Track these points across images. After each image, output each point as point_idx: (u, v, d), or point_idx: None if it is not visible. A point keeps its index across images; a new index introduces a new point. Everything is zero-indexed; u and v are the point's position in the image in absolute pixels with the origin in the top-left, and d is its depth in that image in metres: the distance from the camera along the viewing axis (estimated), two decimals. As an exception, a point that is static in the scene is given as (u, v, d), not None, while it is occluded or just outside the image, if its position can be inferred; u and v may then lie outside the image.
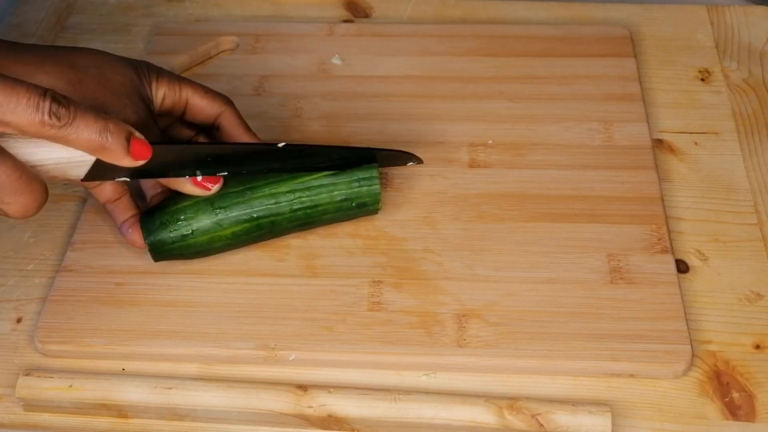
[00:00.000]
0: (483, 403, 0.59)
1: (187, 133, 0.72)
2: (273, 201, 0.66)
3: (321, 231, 0.69)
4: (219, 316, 0.64)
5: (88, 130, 0.55)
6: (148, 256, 0.66)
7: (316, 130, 0.77)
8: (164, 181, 0.65)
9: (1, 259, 0.70)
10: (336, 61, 0.83)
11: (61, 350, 0.64)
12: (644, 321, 0.63)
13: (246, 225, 0.66)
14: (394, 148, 0.70)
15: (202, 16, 0.90)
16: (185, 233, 0.65)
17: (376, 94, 0.80)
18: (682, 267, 0.67)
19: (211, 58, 0.85)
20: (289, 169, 0.66)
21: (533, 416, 0.58)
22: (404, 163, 0.71)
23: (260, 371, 0.63)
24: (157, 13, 0.91)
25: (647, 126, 0.76)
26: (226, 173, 0.65)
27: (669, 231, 0.69)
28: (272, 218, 0.67)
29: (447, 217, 0.70)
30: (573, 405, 0.58)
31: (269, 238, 0.68)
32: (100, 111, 0.56)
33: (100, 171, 0.58)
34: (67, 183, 0.65)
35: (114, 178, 0.61)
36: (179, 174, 0.64)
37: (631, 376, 0.61)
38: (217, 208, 0.65)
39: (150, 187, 0.67)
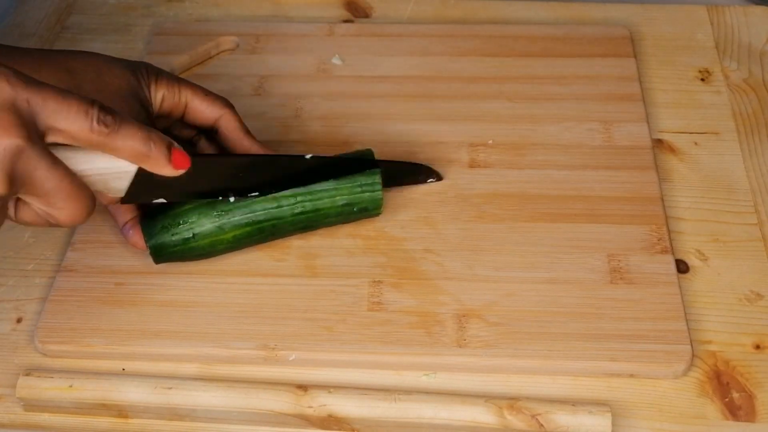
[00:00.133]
0: (483, 403, 0.59)
1: (187, 133, 0.72)
2: (275, 205, 0.66)
3: (321, 231, 0.69)
4: (219, 316, 0.64)
5: (133, 138, 0.57)
6: (149, 256, 0.66)
7: (316, 130, 0.77)
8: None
9: (1, 259, 0.70)
10: (336, 61, 0.83)
11: (61, 350, 0.64)
12: (644, 321, 0.63)
13: (248, 229, 0.66)
14: (414, 161, 0.71)
15: (202, 16, 0.91)
16: (187, 237, 0.65)
17: (376, 94, 0.80)
18: (682, 267, 0.67)
19: (211, 58, 0.85)
20: (313, 182, 0.66)
21: (533, 416, 0.58)
22: (424, 180, 0.72)
23: (260, 371, 0.63)
24: (157, 13, 0.91)
25: (647, 126, 0.76)
26: (257, 194, 0.65)
27: (669, 231, 0.69)
28: (274, 222, 0.66)
29: (447, 217, 0.70)
30: (573, 405, 0.58)
31: (270, 241, 0.68)
32: (141, 122, 0.58)
33: (139, 191, 0.60)
34: (108, 204, 0.66)
35: (152, 200, 0.63)
36: (211, 195, 0.65)
37: (631, 376, 0.61)
38: (218, 212, 0.65)
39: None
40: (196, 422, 0.61)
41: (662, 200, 0.71)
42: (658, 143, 0.76)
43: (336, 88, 0.81)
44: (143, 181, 0.60)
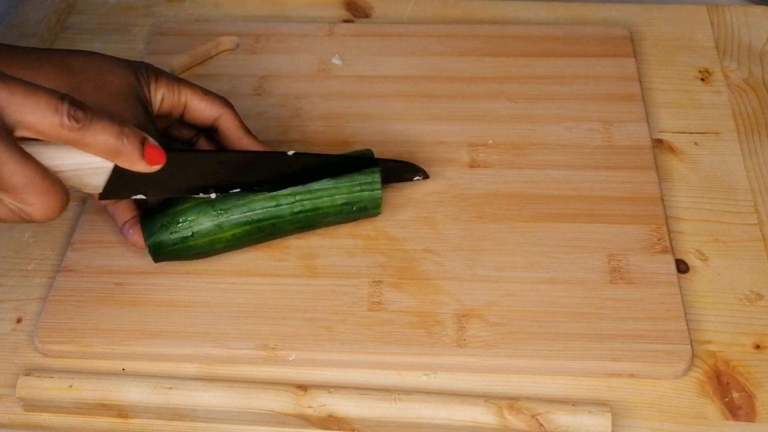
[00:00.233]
0: (483, 403, 0.59)
1: (186, 132, 0.72)
2: (274, 204, 0.66)
3: (321, 231, 0.69)
4: (219, 316, 0.64)
5: (104, 133, 0.56)
6: (149, 256, 0.66)
7: (316, 130, 0.77)
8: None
9: (1, 259, 0.70)
10: (336, 61, 0.83)
11: (61, 350, 0.64)
12: (644, 321, 0.63)
13: (246, 227, 0.66)
14: (401, 159, 0.71)
15: (202, 16, 0.90)
16: (185, 235, 0.65)
17: (376, 94, 0.80)
18: (682, 267, 0.67)
19: (211, 58, 0.85)
20: (297, 180, 0.66)
21: (533, 416, 0.58)
22: (410, 178, 0.72)
23: (260, 371, 0.63)
24: (157, 13, 0.91)
25: (647, 126, 0.76)
26: (238, 190, 0.65)
27: (669, 231, 0.69)
28: (273, 221, 0.66)
29: (447, 217, 0.70)
30: (573, 405, 0.58)
31: (270, 240, 0.68)
32: (114, 116, 0.57)
33: (117, 187, 0.59)
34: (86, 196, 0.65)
35: (130, 196, 0.62)
36: (192, 192, 0.64)
37: (631, 376, 0.61)
38: (217, 211, 0.65)
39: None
40: (196, 422, 0.61)
41: (662, 200, 0.71)
42: (658, 143, 0.76)
43: (336, 88, 0.81)
44: (120, 177, 0.58)
